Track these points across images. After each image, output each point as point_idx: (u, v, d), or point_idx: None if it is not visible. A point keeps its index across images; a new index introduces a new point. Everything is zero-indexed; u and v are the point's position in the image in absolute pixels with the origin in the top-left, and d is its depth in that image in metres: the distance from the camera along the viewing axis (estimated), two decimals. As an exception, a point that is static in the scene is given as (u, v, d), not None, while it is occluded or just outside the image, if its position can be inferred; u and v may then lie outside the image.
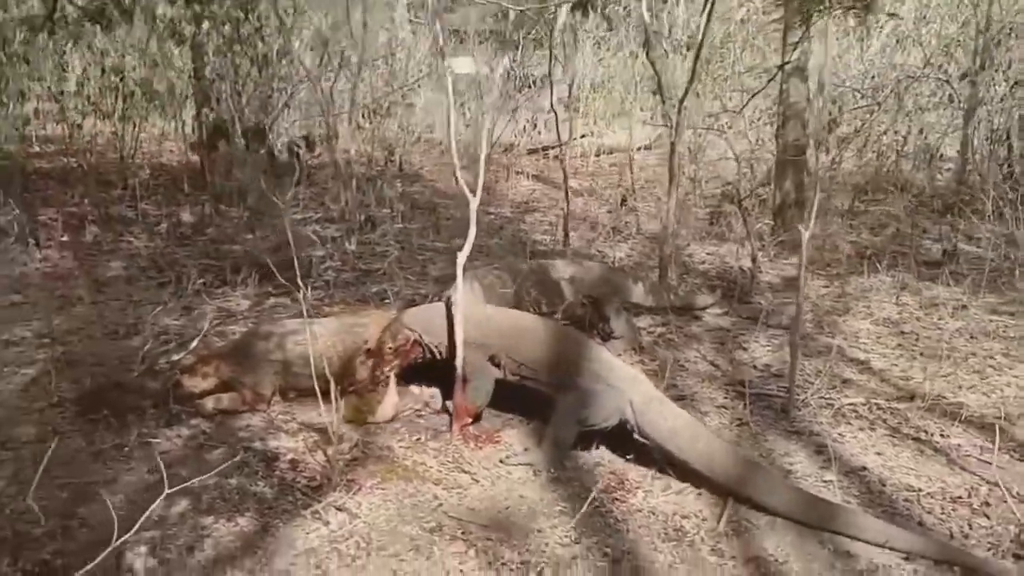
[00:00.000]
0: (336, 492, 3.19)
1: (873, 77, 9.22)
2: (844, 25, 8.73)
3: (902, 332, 5.29)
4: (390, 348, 3.82)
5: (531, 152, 11.78)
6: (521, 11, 8.21)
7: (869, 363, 4.78)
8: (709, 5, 4.96)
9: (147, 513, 2.51)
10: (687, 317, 5.38)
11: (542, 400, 3.76)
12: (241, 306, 5.29)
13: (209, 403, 3.78)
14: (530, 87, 12.12)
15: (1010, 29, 8.73)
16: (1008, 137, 8.79)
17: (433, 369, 4.03)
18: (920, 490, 3.39)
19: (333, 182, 7.63)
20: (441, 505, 3.19)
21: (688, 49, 8.63)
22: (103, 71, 7.45)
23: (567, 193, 6.80)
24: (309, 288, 5.47)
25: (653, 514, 3.21)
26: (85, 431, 3.60)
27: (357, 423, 3.74)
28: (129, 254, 6.27)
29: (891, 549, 2.97)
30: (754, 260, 5.95)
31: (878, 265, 6.40)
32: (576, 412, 3.54)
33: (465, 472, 3.46)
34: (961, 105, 9.00)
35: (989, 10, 8.58)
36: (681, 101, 5.15)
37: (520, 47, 13.24)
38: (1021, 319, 5.39)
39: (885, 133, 9.29)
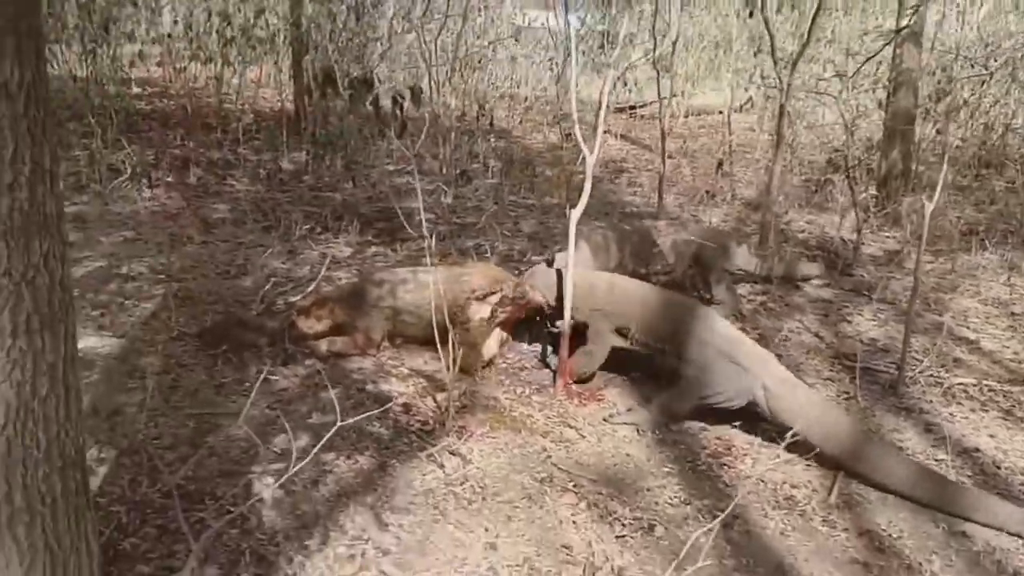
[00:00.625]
0: (449, 437, 3.26)
1: (987, 46, 8.79)
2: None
3: (1012, 313, 5.12)
4: (508, 297, 3.87)
5: (619, 111, 11.64)
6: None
7: (979, 343, 4.65)
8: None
9: (322, 441, 2.62)
10: (789, 287, 5.29)
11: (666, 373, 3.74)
12: (344, 253, 5.40)
13: (323, 345, 3.89)
14: (615, 44, 11.91)
15: None
16: None
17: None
18: (1038, 475, 3.31)
19: (428, 135, 7.67)
20: (550, 457, 3.24)
21: (793, 8, 8.34)
22: (209, 15, 7.58)
23: (663, 154, 6.71)
24: (401, 243, 5.56)
25: (762, 482, 3.21)
26: (206, 365, 3.75)
27: (465, 372, 3.80)
28: (232, 197, 6.43)
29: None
30: (859, 231, 5.80)
31: (986, 243, 6.19)
32: (699, 387, 3.48)
33: (571, 427, 3.50)
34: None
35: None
36: (795, 62, 5.01)
37: (610, 2, 13.03)
38: None
39: (995, 105, 8.89)
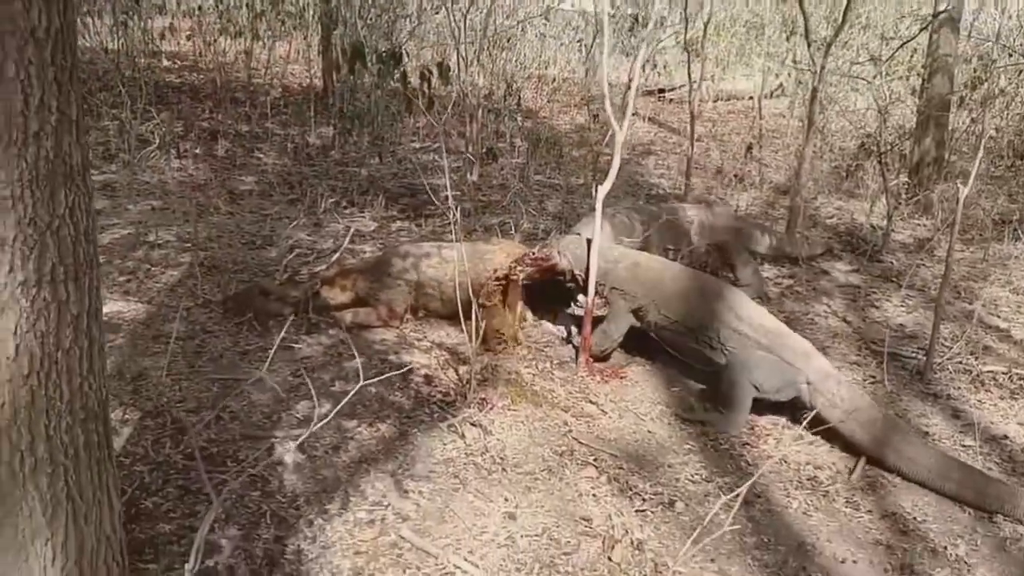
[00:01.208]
0: (470, 408, 3.26)
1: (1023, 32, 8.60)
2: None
3: (1045, 303, 5.03)
4: (531, 257, 3.85)
5: (647, 94, 11.52)
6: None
7: (1010, 332, 4.57)
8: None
9: (344, 400, 2.62)
10: (816, 271, 5.23)
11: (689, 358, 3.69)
12: (368, 227, 5.39)
13: (347, 316, 3.90)
14: (645, 26, 11.79)
15: None
16: None
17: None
18: (1069, 464, 3.25)
19: (455, 113, 7.65)
20: (571, 431, 3.23)
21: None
22: (240, -13, 7.60)
23: (692, 136, 6.63)
24: (425, 219, 5.56)
25: (785, 462, 3.18)
26: (230, 332, 3.76)
27: (488, 347, 3.79)
28: (260, 170, 6.45)
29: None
30: (889, 217, 5.71)
31: (1019, 232, 6.07)
32: (748, 373, 3.36)
33: (592, 403, 3.48)
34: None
35: None
36: (829, 44, 4.92)
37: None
38: None
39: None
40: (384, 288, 3.93)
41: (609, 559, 2.52)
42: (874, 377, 3.89)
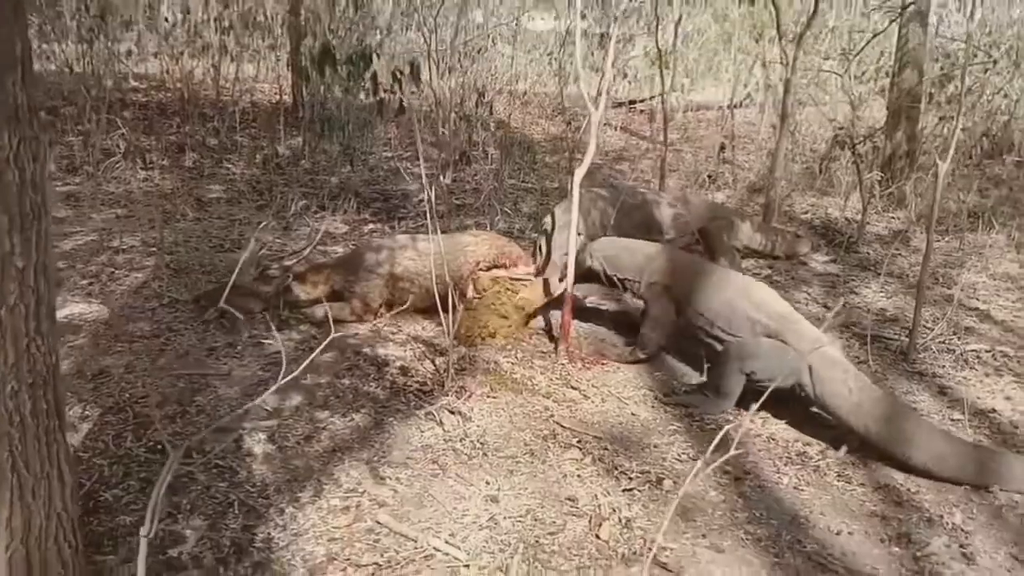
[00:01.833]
0: (448, 397, 3.15)
1: (990, 33, 8.71)
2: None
3: (1022, 287, 5.02)
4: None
5: (617, 105, 11.55)
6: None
7: (989, 313, 4.55)
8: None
9: (313, 355, 2.49)
10: (793, 262, 5.19)
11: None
12: (340, 229, 5.29)
13: (318, 311, 3.78)
14: (613, 41, 11.86)
15: None
16: None
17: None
18: (1059, 433, 3.20)
19: (427, 121, 7.60)
20: (552, 416, 3.13)
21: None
22: (207, 1, 7.49)
23: (665, 136, 6.60)
24: (398, 221, 5.47)
25: (773, 439, 3.10)
26: (197, 330, 3.64)
27: (468, 340, 3.68)
28: (228, 179, 6.33)
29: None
30: (864, 208, 5.69)
31: (994, 221, 6.09)
32: (741, 361, 3.22)
33: (574, 388, 3.39)
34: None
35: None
36: (801, 35, 4.92)
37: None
38: None
39: (997, 93, 8.79)
40: (358, 282, 3.82)
41: (597, 537, 2.42)
42: (859, 358, 3.83)
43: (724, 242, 4.76)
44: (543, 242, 4.40)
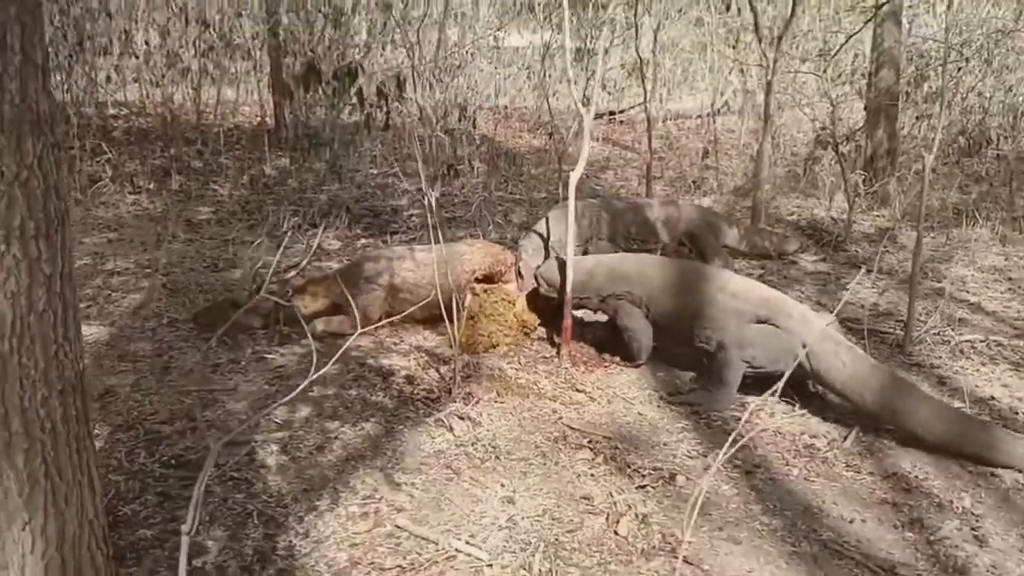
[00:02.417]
0: (456, 403, 3.16)
1: (960, 31, 8.86)
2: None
3: (1010, 278, 5.11)
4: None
5: (598, 116, 11.64)
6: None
7: (980, 305, 4.62)
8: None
9: (341, 350, 2.50)
10: (784, 261, 5.25)
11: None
12: (333, 245, 5.30)
13: (318, 324, 3.79)
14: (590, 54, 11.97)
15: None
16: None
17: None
18: (1058, 416, 3.25)
19: (412, 136, 7.61)
20: (561, 418, 3.14)
21: (769, 1, 8.39)
22: (186, 21, 7.48)
23: (650, 143, 6.67)
24: (390, 235, 5.49)
25: (779, 433, 3.13)
26: (199, 347, 3.63)
27: (470, 348, 3.70)
28: (216, 200, 6.32)
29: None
30: (850, 206, 5.77)
31: (977, 216, 6.19)
32: (740, 350, 3.26)
33: (579, 391, 3.41)
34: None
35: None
36: (780, 36, 5.00)
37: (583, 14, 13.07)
38: None
39: (971, 91, 8.95)
40: (358, 294, 3.83)
41: (615, 533, 2.43)
42: (856, 352, 3.87)
43: (714, 244, 4.81)
44: (527, 247, 4.42)
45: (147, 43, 7.89)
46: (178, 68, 8.14)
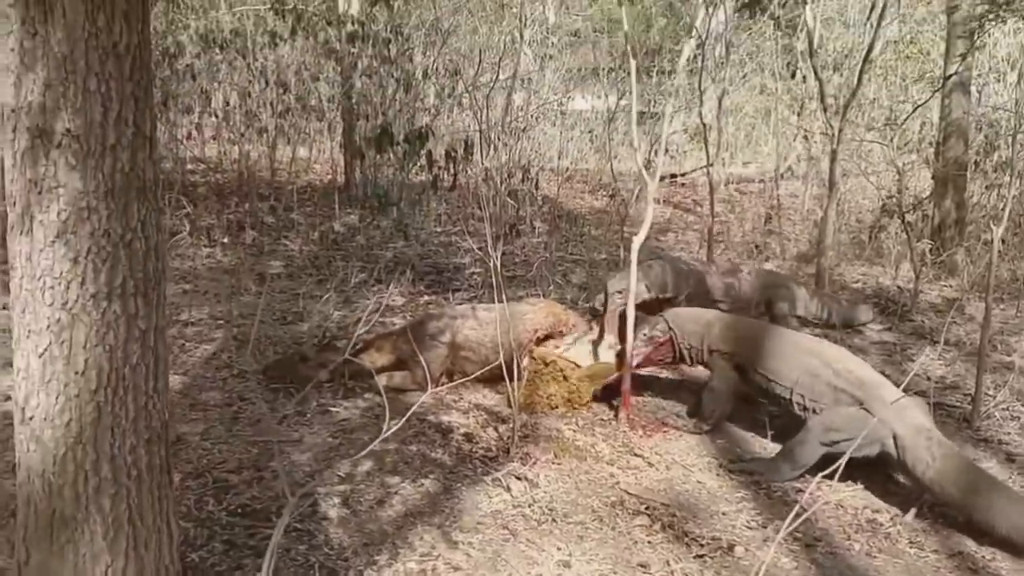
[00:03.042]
0: (513, 463, 3.20)
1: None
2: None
3: (1084, 354, 4.95)
4: (644, 336, 3.84)
5: (660, 179, 11.73)
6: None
7: (1052, 381, 4.49)
8: (879, 12, 4.85)
9: (396, 425, 2.57)
10: (848, 330, 5.19)
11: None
12: (397, 302, 5.43)
13: (382, 379, 3.88)
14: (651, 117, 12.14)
15: None
16: None
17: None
18: None
19: (476, 196, 7.79)
20: (618, 483, 3.15)
21: (835, 70, 8.43)
22: (266, 83, 7.85)
23: (712, 207, 6.71)
24: (452, 293, 5.61)
25: (841, 507, 3.08)
26: (267, 399, 3.75)
27: (529, 408, 3.74)
28: (287, 255, 6.54)
29: None
30: (916, 276, 5.70)
31: (1049, 289, 6.04)
32: (825, 432, 3.20)
33: (637, 455, 3.41)
34: None
35: None
36: (846, 106, 5.04)
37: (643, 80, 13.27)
38: None
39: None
40: (422, 351, 3.92)
41: (672, 602, 2.43)
42: (922, 425, 3.80)
43: (782, 311, 4.79)
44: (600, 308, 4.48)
45: (227, 103, 8.27)
46: (255, 127, 8.52)
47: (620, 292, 4.47)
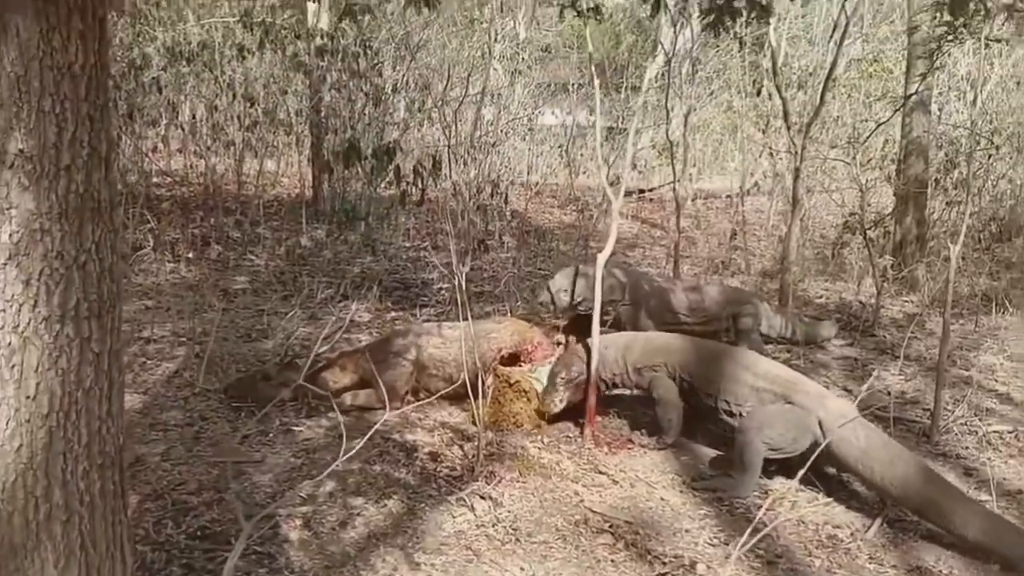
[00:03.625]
0: (478, 482, 3.19)
1: (990, 120, 8.97)
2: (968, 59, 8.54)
3: (1040, 368, 5.06)
4: (563, 379, 3.82)
5: (628, 194, 11.82)
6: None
7: (1009, 395, 4.58)
8: (841, 31, 4.94)
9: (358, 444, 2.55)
10: (812, 346, 5.25)
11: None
12: (364, 318, 5.40)
13: (347, 399, 3.85)
14: (619, 133, 12.24)
15: None
16: None
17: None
18: (1089, 514, 3.20)
19: (445, 211, 7.80)
20: (583, 501, 3.16)
21: (799, 88, 8.57)
22: (233, 96, 7.80)
23: (678, 222, 6.77)
24: (420, 308, 5.60)
25: (803, 523, 3.11)
26: (229, 418, 3.70)
27: (495, 426, 3.74)
28: (252, 270, 6.49)
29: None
30: (878, 292, 5.79)
31: (1007, 303, 6.17)
32: (759, 431, 3.26)
33: (602, 473, 3.42)
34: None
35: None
36: (809, 124, 5.12)
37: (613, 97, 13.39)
38: None
39: (1002, 179, 9.00)
40: (386, 369, 3.90)
41: (634, 621, 2.43)
42: (882, 441, 3.85)
43: (746, 327, 4.84)
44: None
45: (194, 116, 8.21)
46: (222, 141, 8.46)
47: (565, 291, 4.51)
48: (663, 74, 8.88)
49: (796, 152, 5.31)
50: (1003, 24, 4.66)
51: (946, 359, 4.14)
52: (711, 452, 3.71)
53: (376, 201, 7.79)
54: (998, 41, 4.97)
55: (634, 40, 16.64)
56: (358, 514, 2.94)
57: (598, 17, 4.26)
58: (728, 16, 4.16)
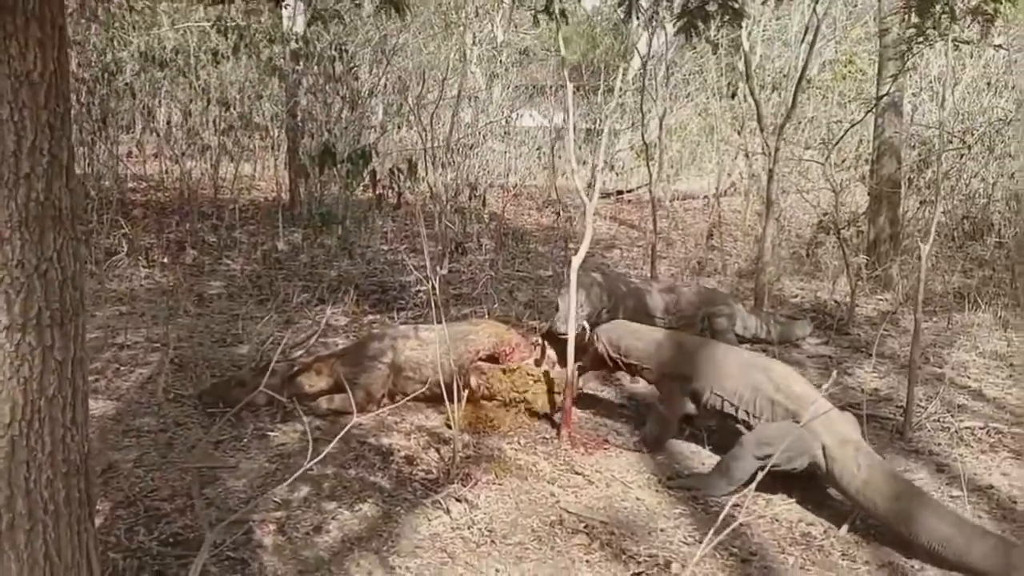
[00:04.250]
0: (454, 485, 3.18)
1: (962, 120, 9.08)
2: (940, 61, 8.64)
3: (1012, 364, 5.13)
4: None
5: (605, 196, 11.86)
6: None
7: (981, 391, 4.64)
8: (813, 33, 4.99)
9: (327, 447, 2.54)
10: (786, 345, 5.29)
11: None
12: (340, 321, 5.38)
13: (322, 403, 3.84)
14: (598, 135, 12.28)
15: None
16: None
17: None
18: (1057, 508, 3.24)
19: (422, 213, 7.79)
20: (559, 501, 3.16)
21: (774, 89, 8.64)
22: (208, 102, 7.76)
23: (655, 223, 6.80)
24: (397, 312, 5.59)
25: (776, 521, 3.14)
26: (203, 424, 3.68)
27: (472, 428, 3.74)
28: (228, 275, 6.45)
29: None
30: (852, 291, 5.84)
31: (980, 301, 6.24)
32: (758, 447, 3.22)
33: (578, 473, 3.43)
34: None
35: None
36: (781, 125, 5.16)
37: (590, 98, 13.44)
38: None
39: (974, 178, 9.11)
40: (362, 372, 3.89)
41: (608, 621, 2.44)
42: (855, 438, 3.89)
43: (721, 327, 4.87)
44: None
45: (169, 121, 8.16)
46: (198, 145, 8.41)
47: (581, 306, 4.50)
48: (639, 76, 8.93)
49: (770, 153, 5.35)
50: (969, 25, 4.71)
51: (919, 356, 4.18)
52: (686, 451, 3.73)
53: (353, 205, 7.76)
54: (966, 43, 5.03)
55: (611, 43, 16.71)
56: (332, 518, 2.93)
57: (563, 17, 4.29)
58: (700, 20, 4.20)
